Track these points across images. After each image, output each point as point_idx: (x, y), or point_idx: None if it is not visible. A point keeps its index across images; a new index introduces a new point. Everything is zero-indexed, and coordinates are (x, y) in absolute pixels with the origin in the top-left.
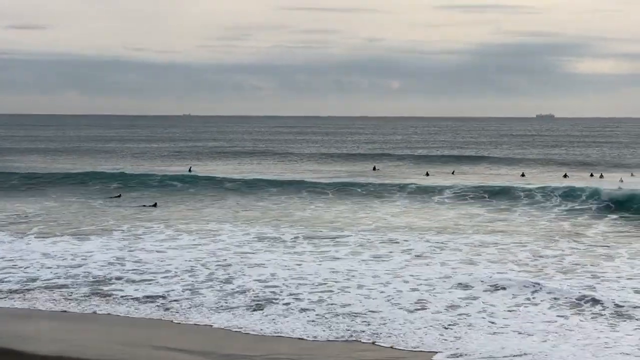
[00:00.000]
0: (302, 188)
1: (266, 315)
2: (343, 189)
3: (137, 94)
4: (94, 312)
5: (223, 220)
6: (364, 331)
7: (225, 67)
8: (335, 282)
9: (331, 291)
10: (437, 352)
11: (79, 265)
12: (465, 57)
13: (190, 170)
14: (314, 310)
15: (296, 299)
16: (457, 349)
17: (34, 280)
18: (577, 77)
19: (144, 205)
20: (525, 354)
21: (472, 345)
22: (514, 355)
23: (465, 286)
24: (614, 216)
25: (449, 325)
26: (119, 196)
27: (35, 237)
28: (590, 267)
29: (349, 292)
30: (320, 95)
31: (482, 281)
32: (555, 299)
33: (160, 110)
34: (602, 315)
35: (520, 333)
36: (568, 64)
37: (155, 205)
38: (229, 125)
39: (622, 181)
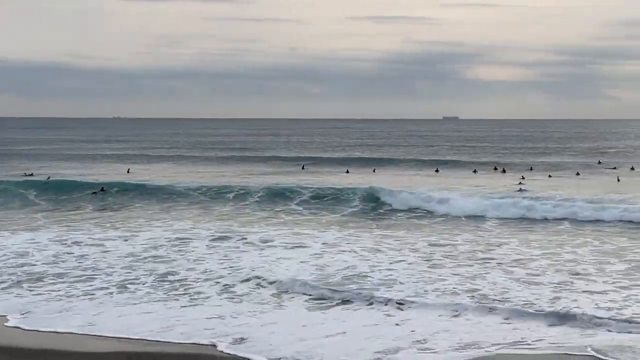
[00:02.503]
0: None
1: None
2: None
3: (73, 98)
4: None
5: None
6: None
7: (158, 73)
8: None
9: None
10: None
11: None
12: (378, 64)
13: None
14: None
15: None
16: None
17: None
18: (479, 83)
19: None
20: None
21: None
22: None
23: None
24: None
25: None
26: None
27: None
28: None
29: None
30: (245, 98)
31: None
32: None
33: (94, 113)
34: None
35: None
36: (470, 70)
37: (102, 189)
38: (153, 127)
39: (523, 179)
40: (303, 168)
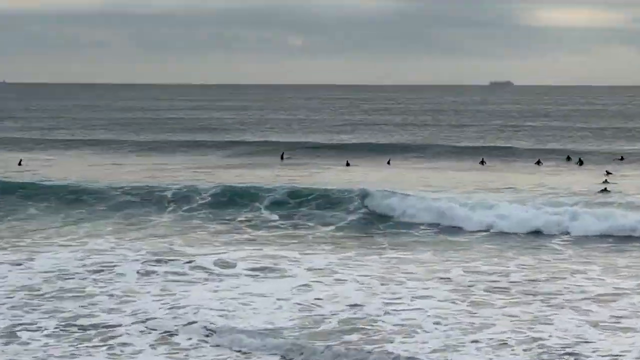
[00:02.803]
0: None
1: None
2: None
3: None
4: None
5: None
6: None
7: (54, 16)
8: None
9: None
10: None
11: None
12: (392, 4)
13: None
14: None
15: None
16: None
17: None
18: (542, 32)
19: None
20: None
21: None
22: None
23: None
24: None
25: None
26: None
27: None
28: None
29: None
30: (193, 55)
31: None
32: None
33: None
34: None
35: None
36: (529, 14)
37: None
38: (56, 97)
39: (608, 175)
40: (282, 158)
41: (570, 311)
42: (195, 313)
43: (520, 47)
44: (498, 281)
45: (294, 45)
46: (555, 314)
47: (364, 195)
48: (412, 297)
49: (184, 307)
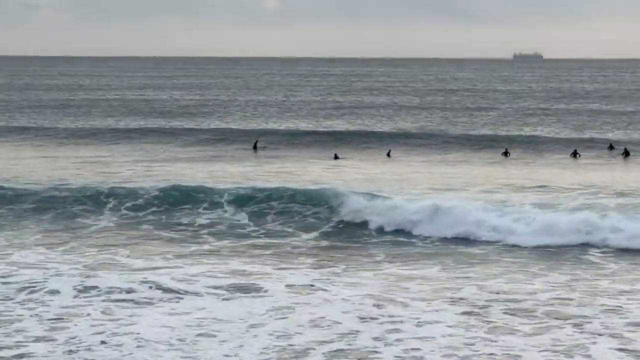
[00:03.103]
0: None
1: None
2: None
3: None
4: None
5: None
6: None
7: None
8: None
9: None
10: None
11: None
12: None
13: None
14: None
15: None
16: None
17: None
18: None
19: None
20: None
21: None
22: None
23: None
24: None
25: None
26: None
27: None
28: None
29: None
30: (144, 20)
31: None
32: None
33: None
34: None
35: None
36: None
37: None
38: None
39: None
40: (255, 148)
41: (610, 340)
42: (140, 347)
43: (551, 12)
44: (520, 302)
45: (263, 8)
46: (593, 343)
47: (337, 200)
48: (418, 321)
49: (128, 334)
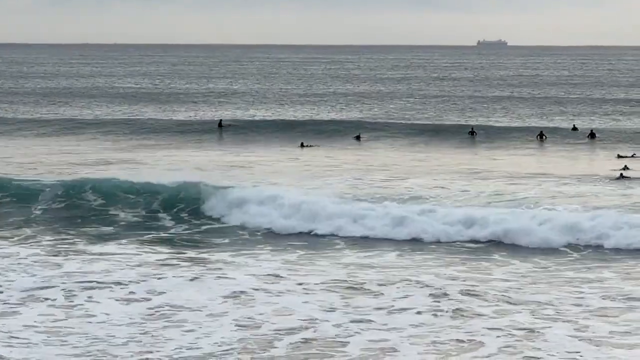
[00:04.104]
0: None
1: None
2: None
3: None
4: None
5: None
6: None
7: None
8: None
9: None
10: None
11: None
12: None
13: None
14: None
15: None
16: None
17: None
18: None
19: None
20: None
21: None
22: None
23: None
24: None
25: None
26: None
27: None
28: None
29: None
30: (112, 8)
31: None
32: None
33: None
34: None
35: None
36: None
37: None
38: None
39: (627, 157)
40: (221, 126)
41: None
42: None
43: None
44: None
45: None
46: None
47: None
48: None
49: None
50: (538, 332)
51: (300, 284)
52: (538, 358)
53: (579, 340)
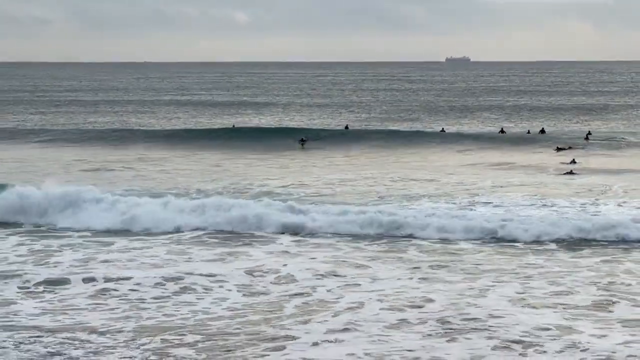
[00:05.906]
0: None
1: None
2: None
3: None
4: None
5: None
6: None
7: None
8: None
9: None
10: None
11: None
12: None
13: None
14: None
15: None
16: None
17: None
18: (500, 7)
19: None
20: None
21: None
22: None
23: None
24: None
25: None
26: None
27: None
28: None
29: None
30: (136, 32)
31: None
32: None
33: None
34: None
35: None
36: None
37: None
38: None
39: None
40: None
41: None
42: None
43: (473, 20)
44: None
45: (236, 21)
46: None
47: None
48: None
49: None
50: None
51: None
52: None
53: None
